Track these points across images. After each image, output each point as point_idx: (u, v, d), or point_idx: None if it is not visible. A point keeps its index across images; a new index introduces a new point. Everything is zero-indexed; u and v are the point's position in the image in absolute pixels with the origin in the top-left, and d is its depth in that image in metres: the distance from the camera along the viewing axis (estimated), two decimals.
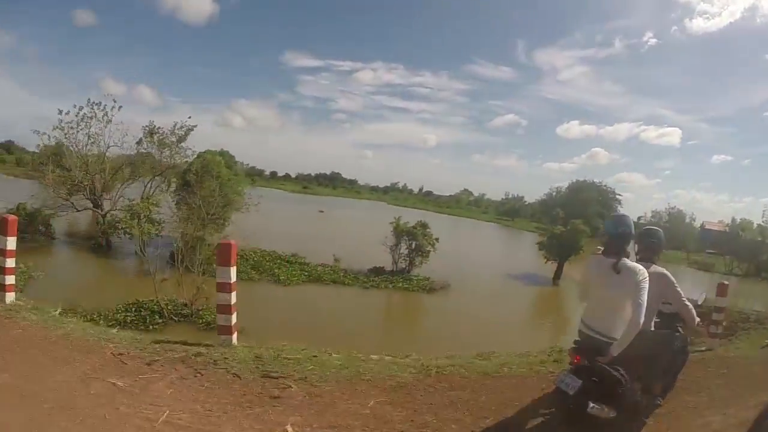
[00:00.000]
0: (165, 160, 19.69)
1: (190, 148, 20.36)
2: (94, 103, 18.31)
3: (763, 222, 42.93)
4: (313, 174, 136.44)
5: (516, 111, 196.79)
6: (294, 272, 18.16)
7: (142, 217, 18.16)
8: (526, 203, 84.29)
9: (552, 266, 26.06)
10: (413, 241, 20.25)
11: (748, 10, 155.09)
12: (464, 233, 52.10)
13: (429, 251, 20.56)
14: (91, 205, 19.00)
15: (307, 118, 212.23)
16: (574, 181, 68.16)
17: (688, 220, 54.91)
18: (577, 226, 25.52)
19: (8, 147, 68.84)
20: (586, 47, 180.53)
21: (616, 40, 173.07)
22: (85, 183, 18.20)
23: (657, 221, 53.44)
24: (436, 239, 20.80)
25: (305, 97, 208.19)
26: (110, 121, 18.57)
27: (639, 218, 64.12)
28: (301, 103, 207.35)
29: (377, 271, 19.91)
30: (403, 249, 20.56)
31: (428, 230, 20.74)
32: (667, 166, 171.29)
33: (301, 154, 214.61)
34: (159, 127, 19.84)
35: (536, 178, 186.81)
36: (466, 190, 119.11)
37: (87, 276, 16.31)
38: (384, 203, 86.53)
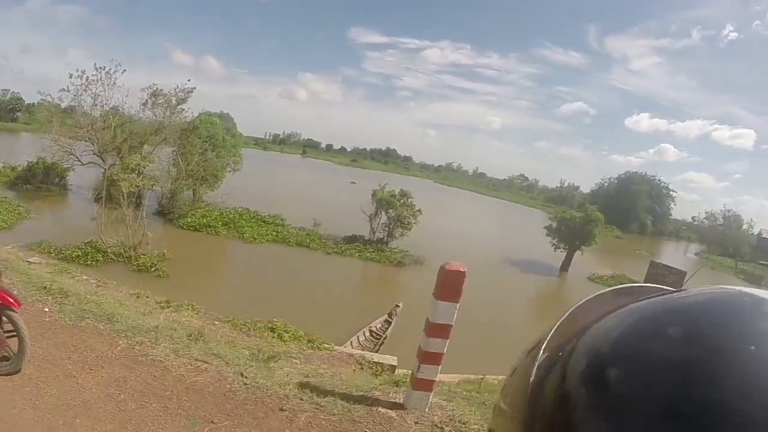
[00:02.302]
0: (164, 120, 20.76)
1: (187, 110, 21.28)
2: (99, 67, 19.70)
3: None
4: (368, 149, 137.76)
5: (584, 99, 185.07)
6: (263, 232, 18.39)
7: (134, 172, 19.50)
8: (582, 193, 78.35)
9: (561, 255, 24.10)
10: (391, 210, 19.71)
11: None
12: (487, 214, 47.76)
13: (410, 223, 19.91)
14: (99, 161, 20.61)
15: (372, 94, 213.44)
16: (625, 172, 62.54)
17: (745, 226, 49.06)
18: (592, 212, 23.27)
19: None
20: (660, 36, 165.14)
21: (693, 31, 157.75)
22: (92, 140, 19.79)
23: (711, 223, 48.84)
24: (419, 210, 20.05)
25: (370, 73, 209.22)
26: (114, 83, 19.91)
27: (693, 218, 58.03)
28: (365, 79, 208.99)
29: (353, 238, 19.67)
30: (384, 218, 20.14)
31: (409, 200, 20.07)
32: (738, 169, 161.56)
33: (361, 130, 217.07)
34: (160, 89, 20.95)
35: (600, 170, 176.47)
36: (521, 175, 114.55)
37: (73, 220, 17.73)
38: (431, 182, 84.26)
